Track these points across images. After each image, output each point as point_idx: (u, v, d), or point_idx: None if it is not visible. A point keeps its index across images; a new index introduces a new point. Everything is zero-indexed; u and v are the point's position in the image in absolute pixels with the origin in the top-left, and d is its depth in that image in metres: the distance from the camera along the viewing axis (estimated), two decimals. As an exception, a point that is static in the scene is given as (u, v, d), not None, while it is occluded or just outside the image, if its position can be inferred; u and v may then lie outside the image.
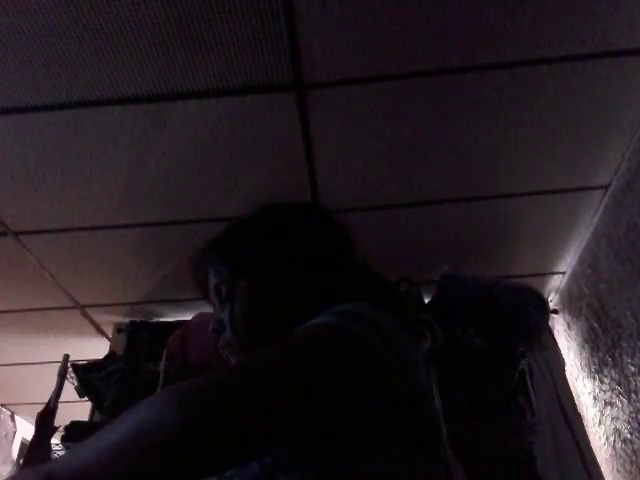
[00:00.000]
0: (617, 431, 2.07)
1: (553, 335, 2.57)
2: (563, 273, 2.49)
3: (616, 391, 2.05)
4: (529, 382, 2.25)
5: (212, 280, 0.84)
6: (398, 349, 0.64)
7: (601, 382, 2.19)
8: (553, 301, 2.66)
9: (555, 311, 2.61)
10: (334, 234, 0.86)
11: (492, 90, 1.63)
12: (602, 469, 2.17)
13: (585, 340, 2.33)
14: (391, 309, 0.70)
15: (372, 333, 0.62)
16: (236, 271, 0.80)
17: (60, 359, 2.40)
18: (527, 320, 2.13)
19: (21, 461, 3.56)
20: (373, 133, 1.76)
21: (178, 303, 2.65)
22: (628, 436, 1.98)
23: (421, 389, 0.67)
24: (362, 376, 0.59)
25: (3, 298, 2.52)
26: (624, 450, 2.03)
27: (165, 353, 2.31)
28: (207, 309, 2.59)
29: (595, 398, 2.27)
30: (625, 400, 1.98)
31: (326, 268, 0.80)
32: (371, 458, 0.58)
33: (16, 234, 2.12)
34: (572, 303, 2.45)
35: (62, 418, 2.21)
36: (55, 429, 2.14)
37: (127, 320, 2.72)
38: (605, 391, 2.16)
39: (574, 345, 2.46)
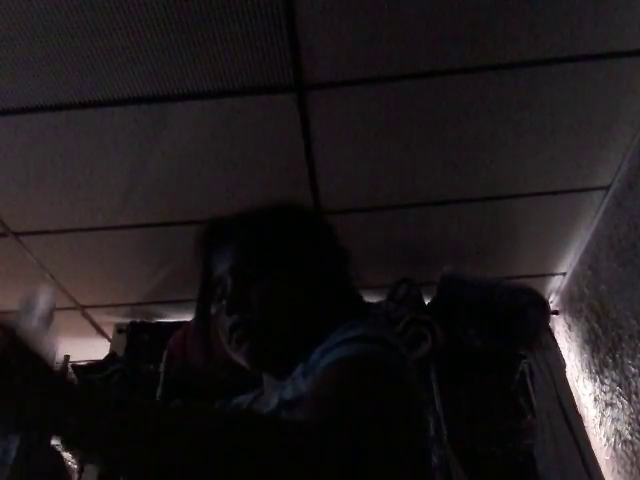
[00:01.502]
0: (618, 432, 2.07)
1: (553, 336, 2.57)
2: (564, 274, 2.49)
3: (617, 392, 2.05)
4: (529, 383, 2.25)
5: (231, 258, 0.84)
6: (412, 368, 0.69)
7: (602, 383, 2.19)
8: (553, 302, 2.66)
9: (555, 312, 2.61)
10: (342, 252, 0.91)
11: (493, 91, 1.63)
12: (602, 470, 2.17)
13: (585, 341, 2.32)
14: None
15: (399, 360, 0.66)
16: (273, 260, 0.82)
17: (60, 360, 2.40)
18: (527, 321, 2.13)
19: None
20: (373, 134, 1.76)
21: (178, 304, 2.64)
22: (629, 437, 1.98)
23: (422, 397, 0.73)
24: (404, 407, 0.64)
25: (3, 298, 2.52)
26: (625, 451, 2.02)
27: (165, 354, 2.31)
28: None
29: (596, 399, 2.27)
30: (626, 401, 1.98)
31: (336, 281, 0.85)
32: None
33: (16, 235, 2.12)
34: (572, 304, 2.45)
35: (62, 419, 2.21)
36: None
37: (127, 321, 2.72)
38: (606, 392, 2.16)
39: (574, 346, 2.45)
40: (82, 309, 2.65)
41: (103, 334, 2.88)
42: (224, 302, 0.82)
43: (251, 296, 0.80)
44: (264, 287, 0.81)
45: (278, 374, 0.82)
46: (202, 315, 0.89)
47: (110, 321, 2.78)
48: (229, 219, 0.90)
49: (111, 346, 2.75)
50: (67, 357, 2.39)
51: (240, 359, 0.81)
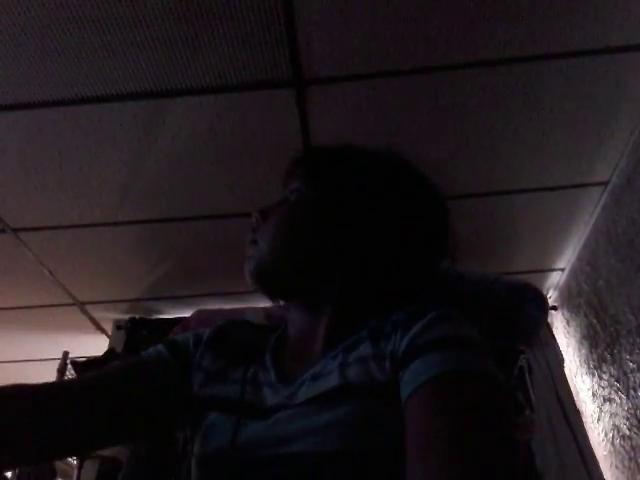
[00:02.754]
0: (616, 427, 2.08)
1: (552, 331, 2.58)
2: (562, 270, 2.49)
3: (615, 387, 2.06)
4: (528, 378, 2.25)
5: (293, 181, 0.81)
6: None
7: (600, 378, 2.19)
8: (552, 297, 2.66)
9: (554, 307, 2.61)
10: (442, 235, 0.81)
11: (491, 87, 1.63)
12: (601, 465, 2.17)
13: (584, 336, 2.33)
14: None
15: (493, 365, 0.61)
16: (318, 193, 0.76)
17: (59, 356, 2.40)
18: (526, 317, 2.13)
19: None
20: (372, 129, 1.76)
21: (177, 300, 2.65)
22: (627, 432, 1.99)
23: None
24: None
25: (2, 295, 2.52)
26: (623, 446, 2.03)
27: (164, 350, 2.31)
28: (206, 305, 2.59)
29: (594, 394, 2.28)
30: (624, 396, 1.99)
31: (410, 264, 0.75)
32: None
33: (15, 231, 2.11)
34: (571, 299, 2.45)
35: (61, 415, 2.21)
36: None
37: (126, 317, 2.72)
38: (604, 387, 2.16)
39: (573, 341, 2.46)
40: (81, 305, 2.65)
41: (102, 330, 2.88)
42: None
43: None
44: (285, 208, 0.77)
45: (274, 297, 0.80)
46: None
47: (109, 317, 2.78)
48: (318, 148, 0.85)
49: (110, 342, 2.75)
50: (66, 353, 2.39)
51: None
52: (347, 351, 0.68)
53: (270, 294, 0.80)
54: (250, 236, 0.78)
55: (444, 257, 0.82)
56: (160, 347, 0.81)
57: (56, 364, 2.36)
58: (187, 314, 2.52)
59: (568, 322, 2.51)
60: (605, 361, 2.13)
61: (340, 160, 0.81)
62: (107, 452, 2.16)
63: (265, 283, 0.77)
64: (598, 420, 2.25)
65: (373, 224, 0.74)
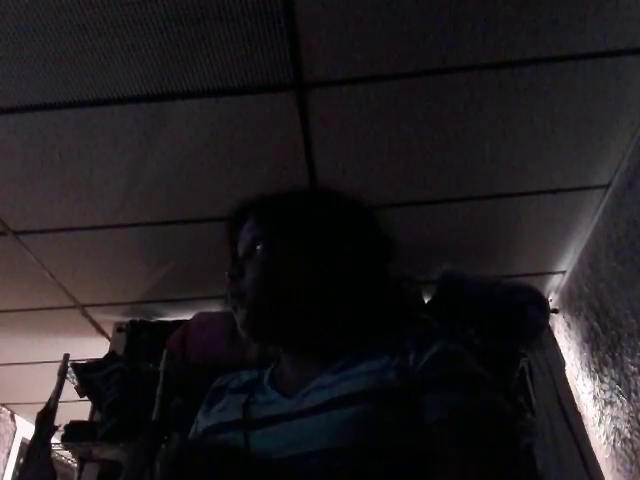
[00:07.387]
0: (617, 430, 2.07)
1: (553, 334, 2.58)
2: (563, 272, 2.49)
3: (616, 390, 2.05)
4: (529, 381, 2.25)
5: (248, 232, 0.83)
6: None
7: (601, 381, 2.19)
8: (553, 300, 2.66)
9: (555, 310, 2.61)
10: (384, 245, 0.89)
11: (492, 90, 1.63)
12: (602, 468, 2.17)
13: (585, 339, 2.33)
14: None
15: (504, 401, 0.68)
16: (282, 235, 0.80)
17: (60, 358, 2.39)
18: (527, 319, 2.13)
19: (21, 460, 3.56)
20: (373, 132, 1.76)
21: (178, 302, 2.64)
22: (628, 435, 1.98)
23: None
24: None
25: (3, 297, 2.52)
26: (624, 449, 2.03)
27: (165, 352, 2.31)
28: (207, 308, 2.59)
29: (595, 397, 2.27)
30: (625, 399, 1.98)
31: (366, 275, 0.81)
32: None
33: (16, 234, 2.12)
34: (572, 302, 2.45)
35: (62, 418, 2.21)
36: (55, 429, 2.14)
37: (127, 319, 2.72)
38: (605, 390, 2.16)
39: (574, 344, 2.46)
40: (82, 308, 2.65)
41: (103, 333, 2.88)
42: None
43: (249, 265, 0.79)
44: (260, 255, 0.79)
45: (280, 344, 0.82)
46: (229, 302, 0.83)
47: (110, 320, 2.78)
48: (253, 198, 0.89)
49: (111, 345, 2.75)
50: (67, 356, 2.39)
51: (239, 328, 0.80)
52: (346, 367, 0.72)
53: (267, 339, 0.82)
54: (232, 290, 0.79)
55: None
56: None
57: (57, 367, 2.35)
58: (188, 317, 2.53)
59: (569, 325, 2.50)
60: (606, 364, 2.13)
61: (288, 203, 0.88)
62: (107, 455, 2.16)
63: (262, 327, 0.78)
64: (599, 423, 2.25)
65: (337, 250, 0.80)
